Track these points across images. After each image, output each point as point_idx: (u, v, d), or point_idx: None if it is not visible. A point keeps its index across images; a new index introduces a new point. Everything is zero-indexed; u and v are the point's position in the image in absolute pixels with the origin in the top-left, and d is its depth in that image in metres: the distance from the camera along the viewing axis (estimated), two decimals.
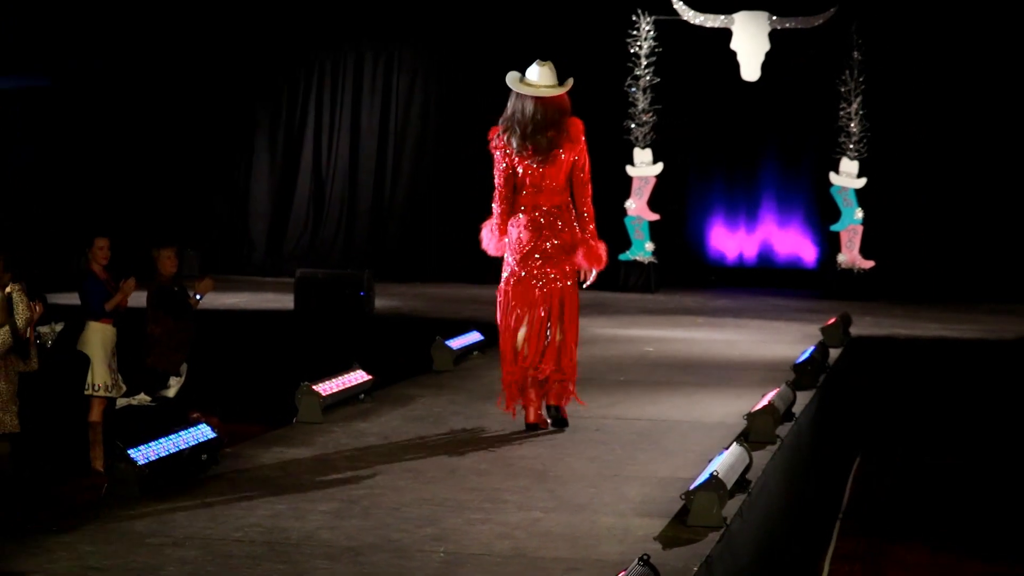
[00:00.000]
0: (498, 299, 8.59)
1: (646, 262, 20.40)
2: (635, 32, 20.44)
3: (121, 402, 10.24)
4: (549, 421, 8.56)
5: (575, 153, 8.39)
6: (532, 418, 8.52)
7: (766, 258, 21.84)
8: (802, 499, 8.99)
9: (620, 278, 20.09)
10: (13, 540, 5.76)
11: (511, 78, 8.45)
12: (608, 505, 6.59)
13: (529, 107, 8.36)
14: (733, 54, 20.24)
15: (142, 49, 21.94)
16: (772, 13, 20.23)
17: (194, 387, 10.46)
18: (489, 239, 8.60)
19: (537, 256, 8.42)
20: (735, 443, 6.90)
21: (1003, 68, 20.07)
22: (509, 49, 17.47)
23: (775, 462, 7.57)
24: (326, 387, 8.85)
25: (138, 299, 10.45)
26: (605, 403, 9.09)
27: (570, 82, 8.45)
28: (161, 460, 6.68)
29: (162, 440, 6.79)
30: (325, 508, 6.42)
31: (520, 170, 8.42)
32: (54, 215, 20.64)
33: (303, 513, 6.32)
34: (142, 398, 10.22)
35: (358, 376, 9.42)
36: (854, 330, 14.03)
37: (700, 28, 20.37)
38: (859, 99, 20.03)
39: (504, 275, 8.55)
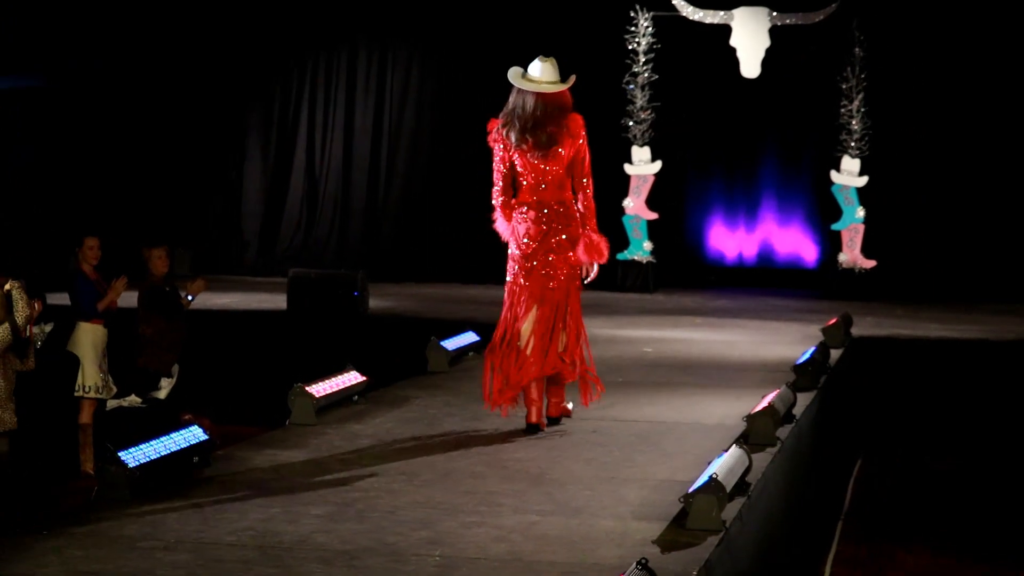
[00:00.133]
0: (505, 294, 8.53)
1: (644, 261, 20.31)
2: (633, 28, 20.35)
3: (111, 403, 10.18)
4: (546, 422, 8.52)
5: (575, 149, 8.37)
6: (533, 418, 8.46)
7: (766, 257, 21.73)
8: (803, 502, 8.95)
9: (618, 278, 19.99)
10: (0, 544, 5.68)
11: (513, 73, 8.43)
12: (606, 508, 6.53)
13: (530, 102, 8.34)
14: (733, 51, 20.16)
15: (139, 48, 21.90)
16: (772, 9, 20.14)
17: (186, 388, 10.43)
18: (504, 227, 8.52)
19: (545, 251, 8.39)
20: (735, 445, 6.86)
21: (1006, 66, 20.00)
22: (505, 46, 17.39)
23: (775, 464, 7.51)
24: (320, 388, 8.79)
25: (129, 299, 10.38)
26: (602, 404, 9.02)
27: (572, 79, 8.45)
28: (152, 462, 6.61)
29: (153, 442, 6.74)
30: (319, 511, 6.36)
31: (519, 164, 8.40)
32: (54, 215, 20.59)
33: (296, 516, 6.26)
34: (133, 399, 10.16)
35: (352, 377, 9.35)
36: (855, 330, 13.96)
37: (699, 24, 20.29)
38: (860, 96, 19.95)
39: (512, 271, 8.50)
